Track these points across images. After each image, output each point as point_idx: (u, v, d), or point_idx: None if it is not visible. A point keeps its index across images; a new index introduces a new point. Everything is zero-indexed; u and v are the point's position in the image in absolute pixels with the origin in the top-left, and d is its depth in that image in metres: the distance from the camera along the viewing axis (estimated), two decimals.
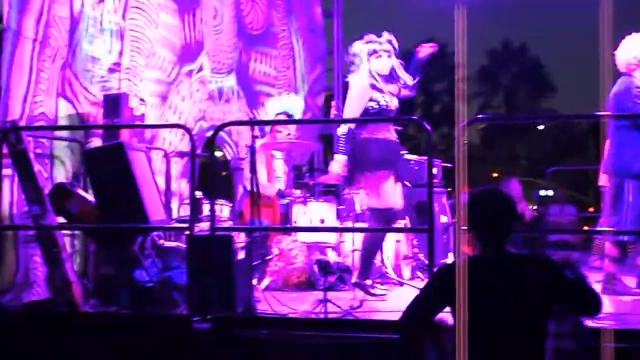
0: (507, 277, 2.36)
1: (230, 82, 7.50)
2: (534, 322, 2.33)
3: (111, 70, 5.58)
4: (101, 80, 5.47)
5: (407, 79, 4.75)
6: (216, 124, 6.61)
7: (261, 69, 8.27)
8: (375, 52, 4.67)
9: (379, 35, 4.74)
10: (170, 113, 6.40)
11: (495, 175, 29.26)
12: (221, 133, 7.01)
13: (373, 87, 4.64)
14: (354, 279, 4.74)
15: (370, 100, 4.61)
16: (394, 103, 4.72)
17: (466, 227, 2.45)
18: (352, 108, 4.61)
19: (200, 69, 6.90)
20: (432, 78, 32.14)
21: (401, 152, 4.98)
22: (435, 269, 2.94)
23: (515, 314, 2.30)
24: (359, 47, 4.70)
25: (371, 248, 4.70)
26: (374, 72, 4.66)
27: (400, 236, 5.56)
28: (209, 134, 6.95)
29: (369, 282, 4.65)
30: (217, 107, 7.22)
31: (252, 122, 6.24)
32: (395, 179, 4.63)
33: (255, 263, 4.65)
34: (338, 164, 4.59)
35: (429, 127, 3.95)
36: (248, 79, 7.90)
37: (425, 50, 4.74)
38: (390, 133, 4.66)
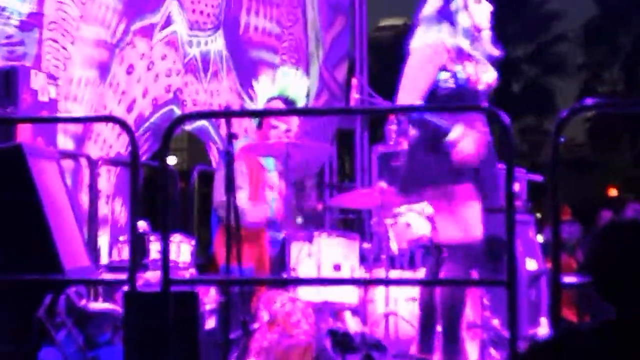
0: None
1: (218, 44, 7.56)
2: None
3: (25, 26, 5.61)
4: (7, 42, 5.50)
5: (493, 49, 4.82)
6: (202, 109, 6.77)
7: (258, 25, 8.31)
8: None
9: None
10: (110, 95, 6.43)
11: (613, 192, 29.19)
12: (206, 125, 7.04)
13: (459, 53, 4.66)
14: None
15: (446, 70, 4.65)
16: (488, 76, 4.76)
17: (579, 279, 2.46)
18: (410, 83, 4.64)
19: (167, 24, 6.96)
20: (511, 38, 32.20)
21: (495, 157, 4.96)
22: (525, 349, 2.94)
23: None
24: None
25: (457, 305, 4.69)
26: (476, 22, 4.69)
27: None
28: (189, 127, 6.96)
29: None
30: (202, 85, 7.29)
31: (227, 114, 6.23)
32: (482, 198, 4.69)
33: (233, 336, 4.64)
34: (470, 142, 4.57)
35: (506, 119, 3.93)
36: (239, 40, 7.95)
37: None
38: (479, 124, 4.69)
